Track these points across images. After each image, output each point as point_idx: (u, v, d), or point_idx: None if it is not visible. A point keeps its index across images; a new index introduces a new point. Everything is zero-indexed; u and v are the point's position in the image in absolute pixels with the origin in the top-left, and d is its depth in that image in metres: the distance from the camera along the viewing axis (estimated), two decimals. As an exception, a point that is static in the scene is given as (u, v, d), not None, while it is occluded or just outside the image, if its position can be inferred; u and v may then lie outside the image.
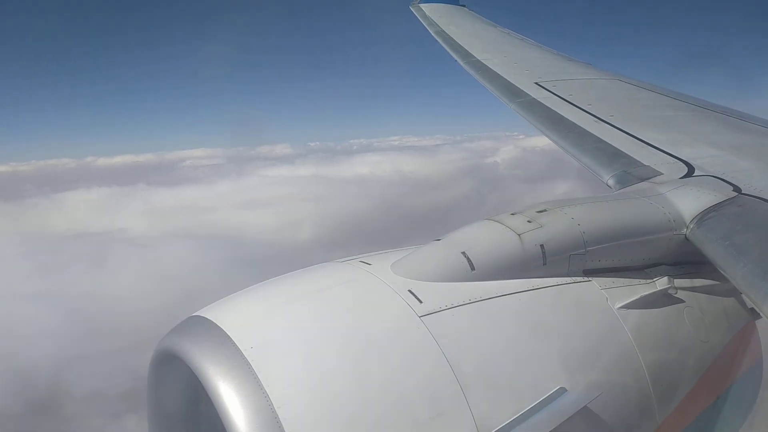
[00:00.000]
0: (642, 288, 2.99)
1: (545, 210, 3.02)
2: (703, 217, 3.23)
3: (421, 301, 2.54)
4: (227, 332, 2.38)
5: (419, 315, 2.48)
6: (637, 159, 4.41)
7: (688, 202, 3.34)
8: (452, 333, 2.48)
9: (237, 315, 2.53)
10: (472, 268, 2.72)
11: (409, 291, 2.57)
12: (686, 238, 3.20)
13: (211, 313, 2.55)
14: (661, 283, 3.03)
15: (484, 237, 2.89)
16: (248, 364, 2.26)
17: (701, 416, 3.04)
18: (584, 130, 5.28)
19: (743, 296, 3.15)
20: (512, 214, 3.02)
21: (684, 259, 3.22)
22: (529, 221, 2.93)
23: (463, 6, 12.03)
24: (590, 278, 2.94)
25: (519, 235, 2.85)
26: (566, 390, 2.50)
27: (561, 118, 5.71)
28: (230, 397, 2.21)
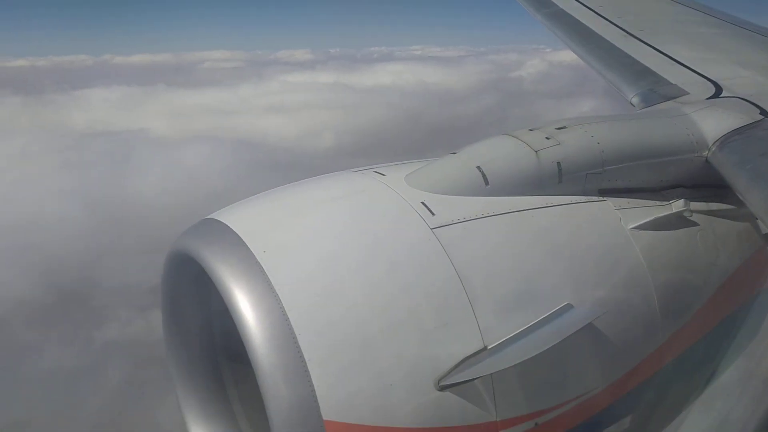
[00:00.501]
0: (657, 210, 2.97)
1: (565, 127, 2.98)
2: (726, 140, 3.17)
3: (433, 214, 2.55)
4: (240, 236, 2.42)
5: (431, 227, 2.51)
6: (665, 77, 4.30)
7: (712, 124, 3.26)
8: (463, 246, 2.51)
9: (250, 219, 2.56)
10: (486, 183, 2.72)
11: (422, 203, 2.59)
12: (707, 161, 3.15)
13: (224, 216, 2.58)
14: (677, 205, 3.00)
15: (500, 152, 2.86)
16: (261, 267, 2.31)
17: (705, 338, 3.07)
18: (612, 44, 5.13)
19: (758, 222, 3.15)
20: (530, 130, 2.98)
21: (702, 182, 3.17)
22: (547, 138, 2.89)
23: None
24: (605, 198, 2.92)
25: (536, 151, 2.82)
26: (572, 306, 2.53)
27: (588, 31, 5.54)
28: (242, 298, 2.26)
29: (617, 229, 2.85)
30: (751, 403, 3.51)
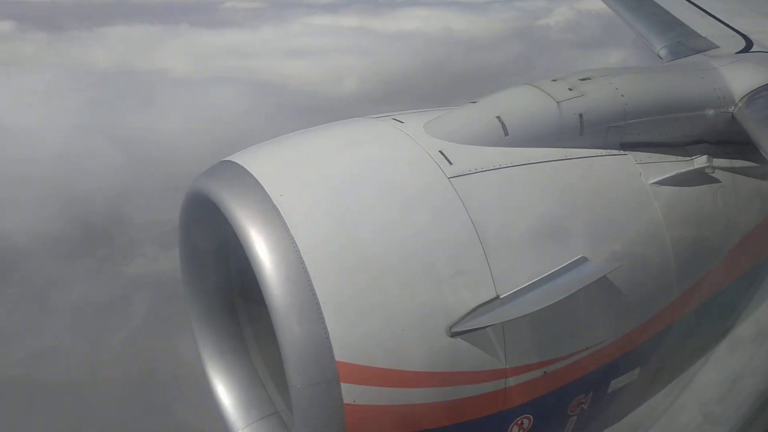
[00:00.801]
0: (679, 165, 2.94)
1: (589, 78, 2.93)
2: (753, 96, 3.11)
3: (451, 163, 2.56)
4: (257, 179, 2.45)
5: (448, 176, 2.52)
6: (694, 29, 4.19)
7: (741, 79, 3.21)
8: (480, 196, 2.52)
9: (268, 162, 2.59)
10: (506, 134, 2.71)
11: (440, 152, 2.59)
12: (732, 117, 3.10)
13: (242, 158, 2.60)
14: (700, 161, 2.97)
15: (521, 102, 2.85)
16: (277, 210, 2.34)
17: (719, 295, 3.08)
18: None
19: None
20: (553, 80, 2.94)
21: (727, 138, 3.12)
22: (570, 89, 2.86)
23: None
24: (626, 152, 2.89)
25: (558, 102, 2.79)
26: (587, 260, 2.55)
27: None
28: (258, 240, 2.30)
29: (637, 184, 2.83)
30: (765, 360, 3.55)
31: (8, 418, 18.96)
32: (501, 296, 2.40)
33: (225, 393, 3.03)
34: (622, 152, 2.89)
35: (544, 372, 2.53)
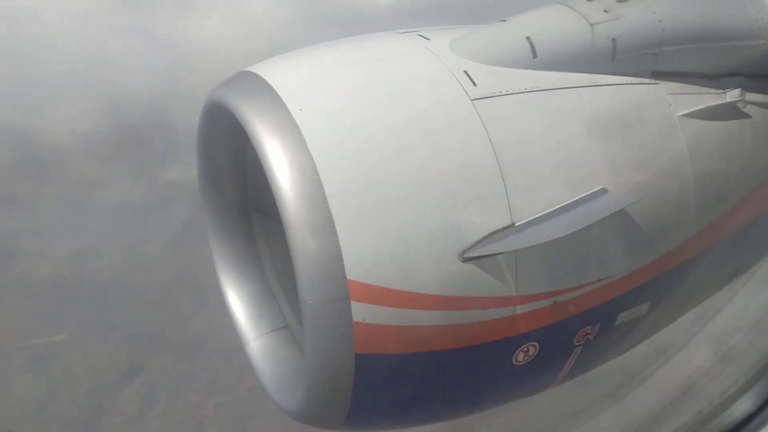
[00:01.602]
0: (711, 98, 2.80)
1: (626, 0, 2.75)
2: None
3: (475, 84, 2.47)
4: (278, 92, 2.39)
5: (471, 98, 2.44)
6: None
7: None
8: (502, 120, 2.44)
9: (289, 75, 2.52)
10: (534, 56, 2.59)
11: (465, 72, 2.50)
12: None
13: (263, 70, 2.54)
14: (732, 95, 2.82)
15: (552, 23, 2.70)
16: (296, 125, 2.29)
17: (736, 235, 2.99)
18: None
19: None
20: (589, 0, 2.76)
21: (763, 72, 2.94)
22: (605, 11, 2.69)
23: None
24: (658, 81, 2.74)
25: (591, 25, 2.64)
26: (606, 191, 2.48)
27: None
28: (276, 154, 2.27)
29: (666, 116, 2.70)
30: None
31: (47, 314, 19.98)
32: (516, 224, 2.36)
33: (238, 304, 3.09)
34: (654, 81, 2.75)
35: (554, 302, 2.51)
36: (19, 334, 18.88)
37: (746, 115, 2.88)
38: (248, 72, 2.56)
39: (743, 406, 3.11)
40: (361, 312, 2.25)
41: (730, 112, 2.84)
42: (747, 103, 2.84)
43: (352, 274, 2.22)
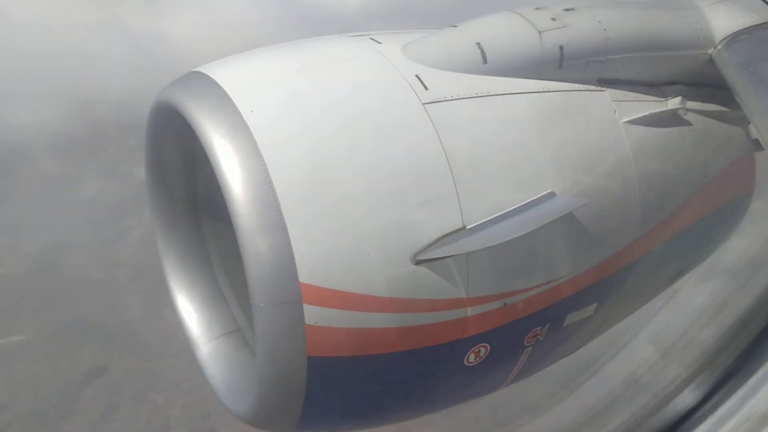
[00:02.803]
0: (653, 105, 2.85)
1: (573, 9, 2.78)
2: (733, 39, 2.97)
3: (427, 88, 2.46)
4: (228, 93, 2.35)
5: (423, 102, 2.43)
6: None
7: (723, 21, 3.03)
8: (453, 124, 2.43)
9: (239, 76, 2.48)
10: (485, 61, 2.59)
11: (416, 76, 2.49)
12: (711, 59, 2.97)
13: (213, 70, 2.49)
14: (674, 102, 2.88)
15: (502, 29, 2.71)
16: (247, 126, 2.26)
17: (679, 236, 3.05)
18: None
19: (750, 126, 3.05)
20: (537, 8, 2.78)
21: (702, 80, 3.01)
22: (553, 18, 2.71)
23: None
24: (604, 88, 2.79)
25: (540, 32, 2.66)
26: (555, 195, 2.50)
27: None
28: (226, 157, 2.23)
29: (611, 122, 2.74)
30: (722, 301, 3.60)
31: (29, 307, 19.45)
32: (467, 227, 2.36)
33: (188, 307, 3.04)
34: (599, 88, 2.79)
35: (504, 303, 2.52)
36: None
37: (687, 122, 2.93)
38: (198, 72, 2.51)
39: (686, 399, 3.23)
40: (313, 315, 2.23)
41: (672, 119, 2.89)
42: (687, 110, 2.90)
43: (304, 276, 2.19)
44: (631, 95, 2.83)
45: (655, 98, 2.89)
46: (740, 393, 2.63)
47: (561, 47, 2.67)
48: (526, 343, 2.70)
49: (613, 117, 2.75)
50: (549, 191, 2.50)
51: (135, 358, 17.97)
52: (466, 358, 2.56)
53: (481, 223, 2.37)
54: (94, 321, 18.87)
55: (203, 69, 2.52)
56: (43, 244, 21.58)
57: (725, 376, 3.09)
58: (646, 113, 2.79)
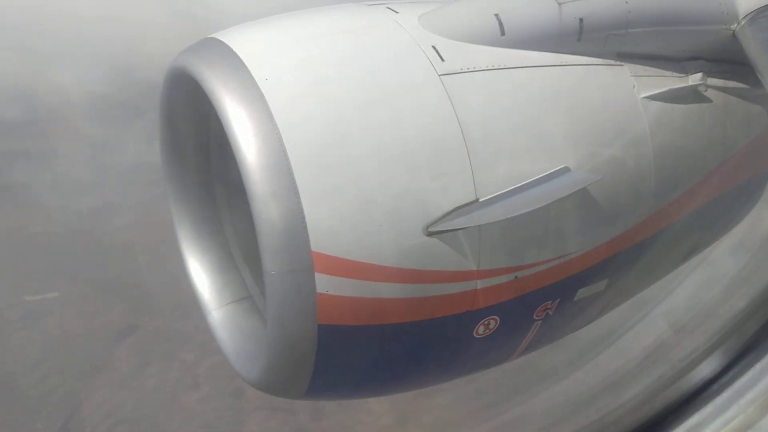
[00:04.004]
0: (673, 81, 2.79)
1: None
2: (757, 15, 2.88)
3: (443, 59, 2.44)
4: (243, 59, 2.34)
5: (439, 73, 2.41)
6: None
7: None
8: (469, 96, 2.41)
9: (255, 43, 2.47)
10: (502, 33, 2.56)
11: (433, 47, 2.46)
12: (734, 35, 2.90)
13: (228, 37, 2.48)
14: (694, 78, 2.81)
15: (520, 1, 2.67)
16: (261, 94, 2.25)
17: (693, 215, 3.02)
18: None
19: None
20: None
21: (724, 57, 2.94)
22: None
23: None
24: (623, 63, 2.73)
25: (559, 4, 2.61)
26: (569, 170, 2.47)
27: None
28: (240, 123, 2.23)
29: (629, 97, 2.70)
30: (735, 276, 3.59)
31: (64, 265, 19.99)
32: (480, 200, 2.35)
33: (200, 273, 3.08)
34: (618, 62, 2.73)
35: (515, 277, 2.52)
36: (12, 291, 19.01)
37: (707, 99, 2.87)
38: (213, 39, 2.50)
39: (704, 370, 3.26)
40: (324, 284, 2.24)
41: (692, 95, 2.83)
42: (708, 87, 2.83)
43: (316, 245, 2.20)
44: (651, 70, 2.77)
45: (675, 74, 2.83)
46: (758, 366, 2.65)
47: (581, 19, 2.62)
48: (535, 317, 2.71)
49: (632, 92, 2.71)
50: (563, 166, 2.48)
51: (164, 318, 18.42)
52: (475, 330, 2.58)
53: (494, 196, 2.36)
54: (126, 281, 19.33)
55: (218, 35, 2.51)
56: (82, 205, 21.98)
57: (743, 350, 3.10)
58: (666, 89, 2.74)
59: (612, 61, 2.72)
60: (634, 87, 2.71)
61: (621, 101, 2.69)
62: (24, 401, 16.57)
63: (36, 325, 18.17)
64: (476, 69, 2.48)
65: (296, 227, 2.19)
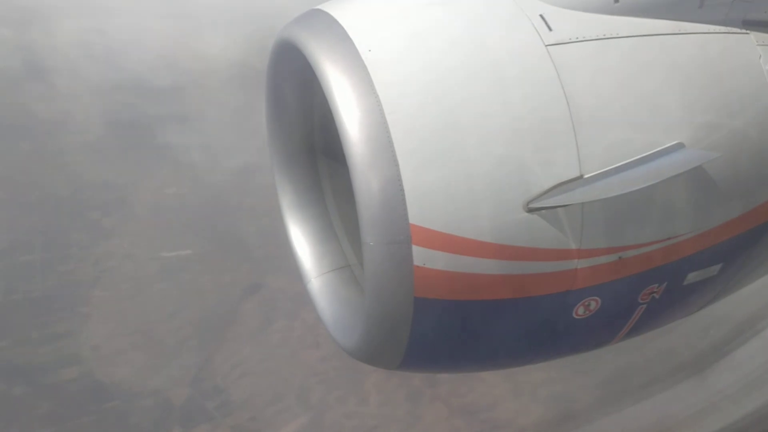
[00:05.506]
0: None
1: None
2: None
3: (551, 29, 2.37)
4: (347, 31, 2.37)
5: (546, 44, 2.34)
6: None
7: None
8: (577, 68, 2.33)
9: (359, 14, 2.48)
10: (616, 0, 2.46)
11: (540, 16, 2.40)
12: None
13: (333, 8, 2.50)
14: None
15: None
16: (364, 66, 2.27)
17: None
18: None
19: None
20: None
21: None
22: None
23: None
24: (749, 31, 2.54)
25: None
26: (683, 146, 2.34)
27: None
28: (343, 95, 2.26)
29: (754, 68, 2.51)
30: None
31: (196, 225, 21.53)
32: (585, 176, 2.29)
33: (302, 242, 3.19)
34: (743, 31, 2.54)
35: (619, 257, 2.43)
36: (151, 247, 20.78)
37: None
38: (319, 10, 2.54)
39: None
40: (421, 256, 2.26)
41: None
42: None
43: (414, 218, 2.22)
44: None
45: None
46: None
47: None
48: (640, 300, 2.61)
49: (758, 63, 2.52)
50: (677, 142, 2.35)
51: (288, 278, 19.31)
52: (575, 310, 2.52)
53: (600, 173, 2.28)
54: (252, 243, 20.49)
55: (323, 7, 2.55)
56: (222, 167, 23.27)
57: None
58: None
59: (736, 29, 2.55)
60: (760, 57, 2.52)
61: (746, 72, 2.51)
62: (161, 347, 18.20)
63: (171, 278, 19.75)
64: (585, 38, 2.39)
65: (395, 199, 2.21)
